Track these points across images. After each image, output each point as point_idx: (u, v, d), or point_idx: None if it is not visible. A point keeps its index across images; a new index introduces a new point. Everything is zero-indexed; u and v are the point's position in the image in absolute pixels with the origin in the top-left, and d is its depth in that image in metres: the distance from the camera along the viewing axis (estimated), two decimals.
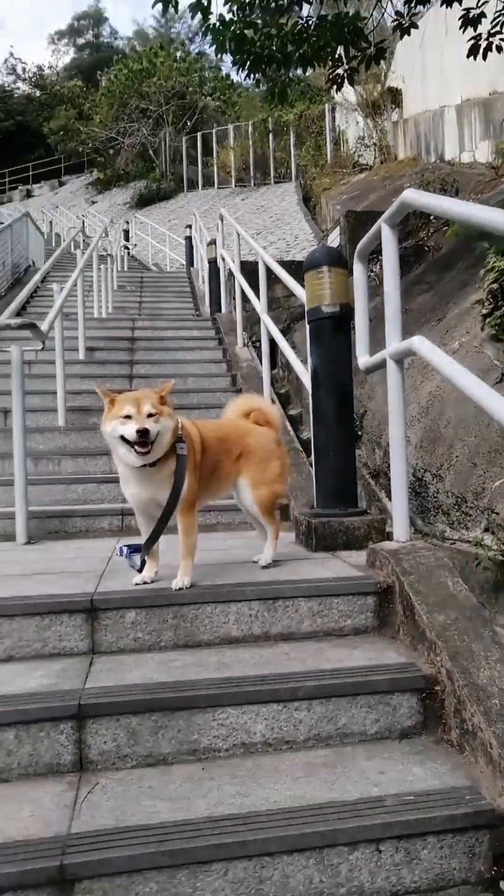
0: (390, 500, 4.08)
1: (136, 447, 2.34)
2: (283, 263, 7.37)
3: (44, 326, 4.25)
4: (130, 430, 2.32)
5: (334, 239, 8.84)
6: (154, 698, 1.90)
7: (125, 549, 3.00)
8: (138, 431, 2.30)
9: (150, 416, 2.35)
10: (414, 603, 2.15)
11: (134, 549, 2.86)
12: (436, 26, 13.25)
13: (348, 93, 17.41)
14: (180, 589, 2.36)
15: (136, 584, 2.46)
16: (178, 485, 2.45)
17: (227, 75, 30.67)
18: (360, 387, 5.45)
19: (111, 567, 2.89)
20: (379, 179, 13.85)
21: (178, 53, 30.72)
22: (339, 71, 5.99)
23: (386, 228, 2.64)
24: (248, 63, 5.54)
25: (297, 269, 7.31)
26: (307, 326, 3.37)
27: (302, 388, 5.91)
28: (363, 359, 2.99)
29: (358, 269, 3.06)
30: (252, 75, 5.74)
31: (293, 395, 6.43)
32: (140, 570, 2.56)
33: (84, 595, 2.29)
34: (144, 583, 2.48)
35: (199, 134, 25.01)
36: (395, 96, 16.00)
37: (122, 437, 2.35)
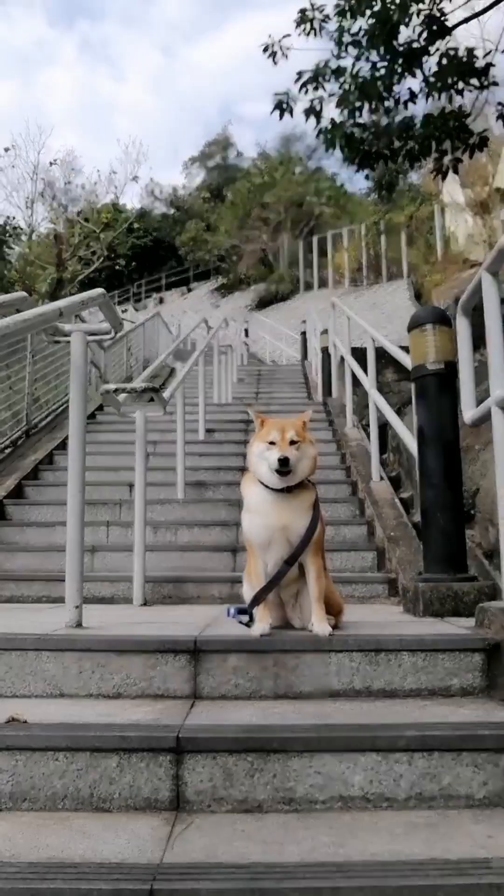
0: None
1: (276, 471, 2.41)
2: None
3: (166, 394, 4.48)
4: (273, 457, 2.41)
5: None
6: (251, 737, 1.84)
7: (232, 610, 2.98)
8: (279, 460, 2.38)
9: (292, 443, 2.43)
10: None
11: (241, 610, 2.84)
12: None
13: (456, 194, 17.81)
14: (323, 635, 2.31)
15: (260, 635, 2.33)
16: (316, 517, 2.47)
17: (342, 185, 32.22)
18: (471, 464, 5.28)
19: (217, 622, 2.89)
20: None
21: (297, 168, 32.71)
22: (445, 161, 6.18)
23: (487, 277, 2.63)
24: (358, 160, 5.82)
25: (406, 352, 7.34)
26: (412, 386, 3.35)
27: (413, 469, 5.79)
28: (469, 413, 2.92)
29: (461, 323, 3.04)
30: (361, 170, 6.02)
31: (404, 477, 6.31)
32: (248, 625, 2.50)
33: (188, 637, 2.30)
34: (263, 635, 2.33)
35: (314, 238, 26.17)
36: (503, 196, 16.20)
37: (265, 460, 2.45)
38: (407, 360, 4.06)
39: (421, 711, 2.03)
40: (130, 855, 1.54)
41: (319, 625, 2.37)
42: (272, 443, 2.44)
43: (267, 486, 2.48)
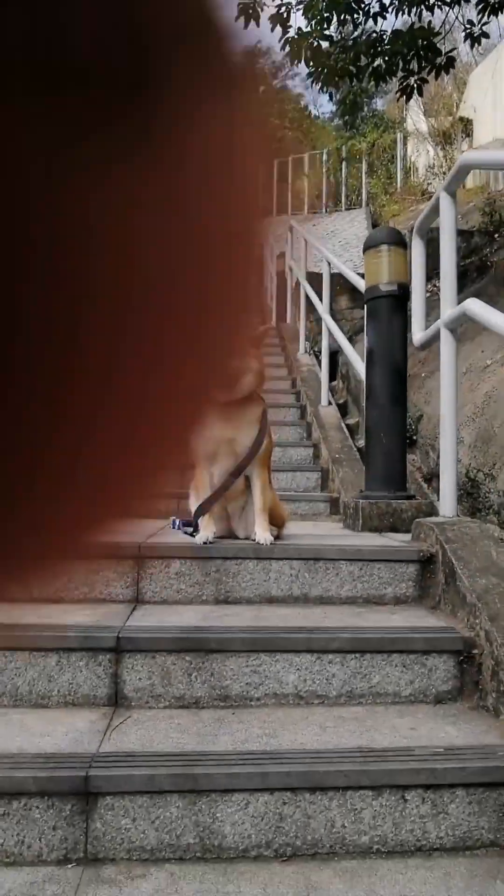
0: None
1: None
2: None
3: None
4: None
5: None
6: (190, 637, 1.85)
7: (177, 522, 2.97)
8: None
9: None
10: (456, 568, 2.04)
11: (186, 522, 2.83)
12: None
13: (419, 123, 17.33)
14: (265, 544, 2.31)
15: (204, 543, 2.34)
16: (263, 431, 2.45)
17: (306, 106, 31.01)
18: (416, 392, 5.33)
19: (162, 533, 2.87)
20: None
21: (261, 87, 31.20)
22: (411, 81, 5.95)
23: (445, 197, 2.57)
24: (323, 76, 5.55)
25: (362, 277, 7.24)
26: (364, 308, 3.30)
27: (360, 396, 5.81)
28: (418, 335, 2.90)
29: (416, 245, 2.98)
30: (326, 88, 5.76)
31: (351, 404, 6.34)
32: (192, 535, 2.50)
33: (132, 543, 2.27)
34: (207, 542, 2.35)
35: (275, 162, 25.30)
36: (466, 126, 15.84)
37: None
38: (362, 284, 4.00)
39: (356, 618, 2.08)
40: (67, 746, 1.56)
41: (262, 534, 2.38)
42: None
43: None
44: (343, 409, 6.10)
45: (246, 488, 2.50)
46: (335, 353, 6.06)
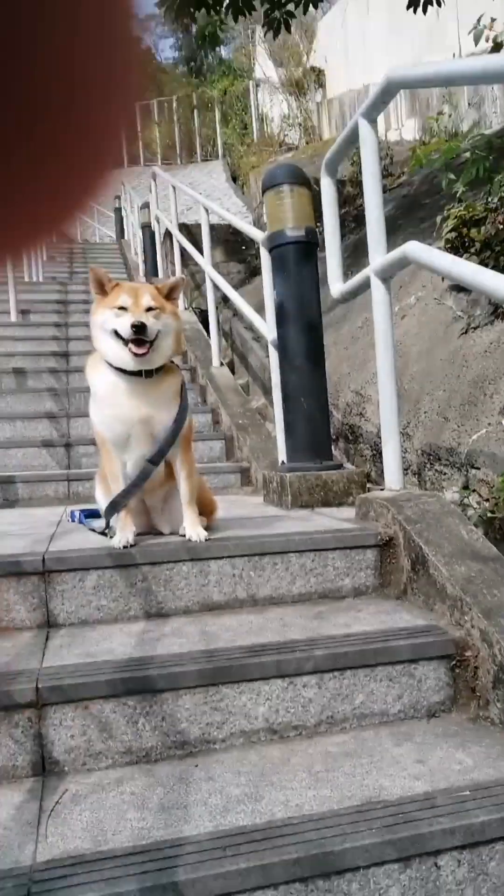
0: (352, 462, 3.72)
1: (131, 346, 1.88)
2: (222, 227, 6.87)
3: None
4: (124, 324, 1.87)
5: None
6: (130, 677, 1.44)
7: (77, 514, 2.49)
8: (133, 326, 1.85)
9: (149, 310, 1.89)
10: (427, 554, 1.77)
11: (89, 513, 2.37)
12: (357, 5, 12.89)
13: (269, 70, 16.82)
14: (199, 541, 1.92)
15: (125, 547, 1.87)
16: (185, 407, 2.01)
17: (148, 47, 29.44)
18: None
19: (62, 529, 2.39)
20: (307, 158, 13.38)
21: None
22: (276, 14, 5.46)
23: (364, 125, 2.20)
24: (177, 6, 4.93)
25: (234, 232, 6.85)
26: (268, 256, 2.91)
27: (248, 354, 5.46)
28: (337, 286, 2.56)
29: (326, 183, 2.61)
30: (179, 18, 5.14)
31: (238, 363, 5.98)
32: (104, 533, 2.07)
33: (34, 555, 1.80)
34: (128, 546, 1.88)
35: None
36: (318, 76, 15.54)
37: (115, 332, 1.89)
38: (252, 231, 3.60)
39: (319, 621, 1.75)
40: None
41: (193, 529, 1.98)
42: (123, 308, 1.88)
43: (120, 370, 1.96)
44: (230, 369, 5.74)
45: (167, 475, 2.08)
46: (204, 312, 5.67)
